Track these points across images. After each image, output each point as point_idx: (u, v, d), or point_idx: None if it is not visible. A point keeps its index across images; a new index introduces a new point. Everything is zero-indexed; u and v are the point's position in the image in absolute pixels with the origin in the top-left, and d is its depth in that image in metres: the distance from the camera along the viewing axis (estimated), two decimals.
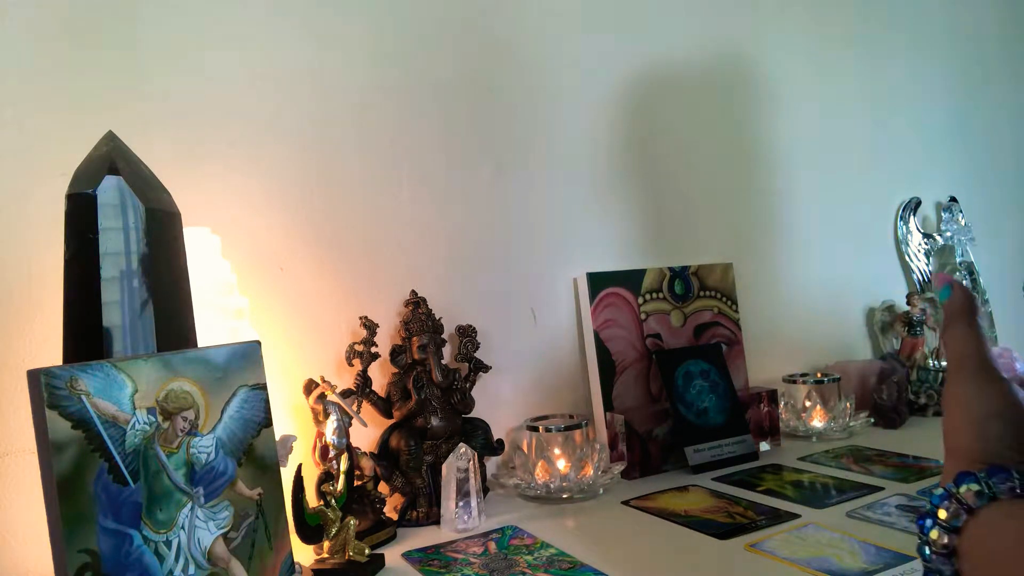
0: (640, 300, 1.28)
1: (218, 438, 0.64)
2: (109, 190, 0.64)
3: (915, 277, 1.72)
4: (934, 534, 0.40)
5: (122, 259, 0.64)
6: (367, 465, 0.93)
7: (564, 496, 1.03)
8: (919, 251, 1.74)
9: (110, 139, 0.69)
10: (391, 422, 1.05)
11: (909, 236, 1.74)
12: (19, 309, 0.85)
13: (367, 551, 0.83)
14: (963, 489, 0.40)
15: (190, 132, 0.97)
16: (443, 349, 1.08)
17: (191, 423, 0.62)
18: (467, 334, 1.11)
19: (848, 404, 1.31)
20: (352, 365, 1.02)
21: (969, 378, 0.46)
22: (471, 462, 0.96)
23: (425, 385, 1.04)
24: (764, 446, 1.24)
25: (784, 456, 1.20)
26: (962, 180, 1.87)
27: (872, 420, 1.35)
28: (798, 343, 1.52)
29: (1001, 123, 2.01)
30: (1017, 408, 0.43)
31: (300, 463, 0.84)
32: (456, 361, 1.11)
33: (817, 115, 1.61)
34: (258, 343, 0.69)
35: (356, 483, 0.92)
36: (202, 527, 0.61)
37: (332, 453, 0.87)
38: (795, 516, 0.90)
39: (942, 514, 0.40)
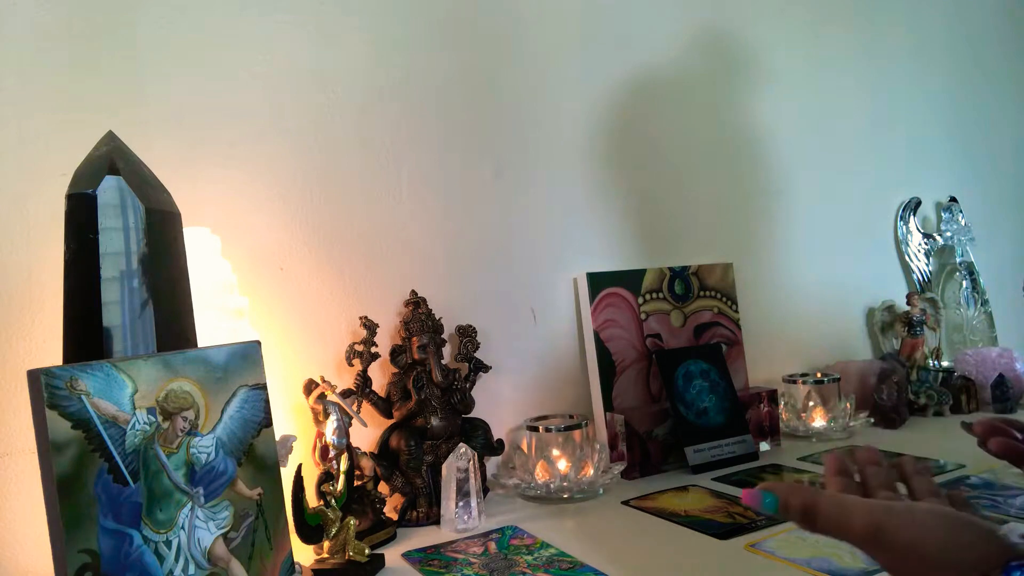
0: (640, 300, 1.28)
1: (218, 438, 0.64)
2: (109, 190, 0.64)
3: (915, 277, 1.72)
4: None
5: (122, 259, 0.64)
6: (367, 465, 0.93)
7: (564, 496, 1.03)
8: (919, 251, 1.74)
9: (110, 139, 0.69)
10: (391, 422, 1.05)
11: (909, 236, 1.73)
12: (19, 309, 0.85)
13: (367, 551, 0.83)
14: None
15: (190, 132, 0.97)
16: (443, 349, 1.08)
17: (191, 423, 0.62)
18: (467, 334, 1.11)
19: (848, 404, 1.31)
20: (352, 365, 1.02)
21: (893, 522, 0.42)
22: (471, 462, 0.96)
23: (425, 385, 1.04)
24: (764, 446, 1.24)
25: (784, 456, 1.20)
26: (962, 180, 1.87)
27: (872, 420, 1.35)
28: (798, 343, 1.52)
29: (1000, 123, 2.00)
30: (948, 511, 0.42)
31: (300, 463, 0.84)
32: (456, 361, 1.11)
33: (817, 115, 1.61)
34: (258, 343, 0.69)
35: (356, 483, 0.92)
36: (202, 527, 0.61)
37: (332, 453, 0.87)
38: None
39: None
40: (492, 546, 0.88)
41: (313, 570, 0.81)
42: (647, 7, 1.39)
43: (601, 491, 1.06)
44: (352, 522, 0.83)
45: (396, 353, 1.06)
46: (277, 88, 1.04)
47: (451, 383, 1.06)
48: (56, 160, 0.81)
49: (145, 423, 0.59)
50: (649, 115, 1.38)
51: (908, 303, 1.57)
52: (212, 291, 0.82)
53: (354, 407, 0.99)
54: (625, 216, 1.34)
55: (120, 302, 0.63)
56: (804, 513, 0.44)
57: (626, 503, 1.01)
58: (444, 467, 0.97)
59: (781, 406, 1.32)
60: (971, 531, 0.41)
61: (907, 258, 1.73)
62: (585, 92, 1.31)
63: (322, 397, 0.89)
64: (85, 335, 0.63)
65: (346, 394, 0.99)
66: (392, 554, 0.87)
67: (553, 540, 0.88)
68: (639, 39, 1.38)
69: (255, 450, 0.66)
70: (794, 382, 1.35)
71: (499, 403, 1.17)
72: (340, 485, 0.86)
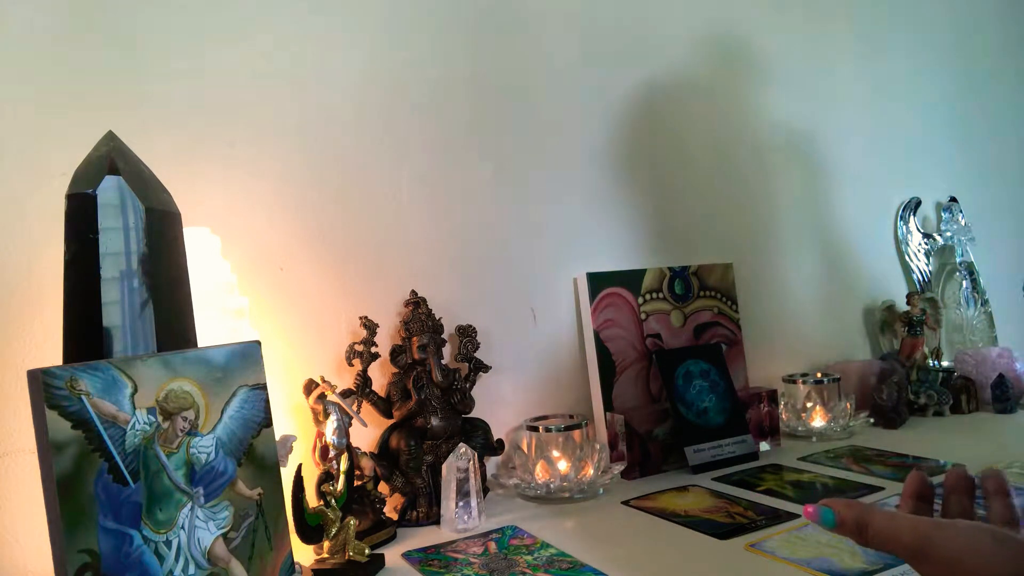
0: (640, 300, 1.28)
1: (218, 438, 0.64)
2: (109, 190, 0.64)
3: (915, 277, 1.72)
4: None
5: (122, 259, 0.64)
6: (367, 465, 0.93)
7: (564, 496, 1.03)
8: (919, 251, 1.74)
9: (110, 139, 0.69)
10: (391, 422, 1.05)
11: (909, 236, 1.73)
12: (19, 309, 0.85)
13: (367, 551, 0.83)
14: None
15: (190, 132, 0.97)
16: (443, 349, 1.08)
17: (191, 423, 0.62)
18: (467, 334, 1.11)
19: (848, 404, 1.31)
20: (352, 365, 1.02)
21: (939, 537, 0.43)
22: (471, 462, 0.96)
23: (425, 385, 1.04)
24: (764, 446, 1.24)
25: (784, 456, 1.20)
26: (962, 180, 1.87)
27: (872, 420, 1.35)
28: (798, 343, 1.52)
29: (1001, 123, 2.00)
30: (993, 528, 0.43)
31: (300, 463, 0.84)
32: (456, 361, 1.11)
33: (817, 115, 1.61)
34: (258, 343, 0.69)
35: (356, 483, 0.92)
36: (202, 527, 0.61)
37: (332, 453, 0.87)
38: (795, 516, 0.90)
39: None
40: (492, 546, 0.88)
41: (313, 570, 0.81)
42: (648, 9, 1.39)
43: (601, 491, 1.06)
44: (352, 522, 0.83)
45: (396, 353, 1.06)
46: (277, 88, 1.04)
47: (451, 383, 1.06)
48: (56, 160, 0.81)
49: (145, 423, 0.59)
50: (650, 115, 1.38)
51: (908, 303, 1.57)
52: (212, 291, 0.82)
53: (354, 407, 0.99)
54: (625, 216, 1.34)
55: (120, 302, 0.63)
56: (857, 527, 0.46)
57: (626, 503, 1.01)
58: (444, 467, 0.97)
59: (781, 406, 1.32)
60: (1014, 548, 0.42)
61: (907, 258, 1.73)
62: (586, 93, 1.31)
63: (322, 397, 0.89)
64: (85, 335, 0.63)
65: (346, 394, 0.99)
66: (392, 554, 0.87)
67: (553, 540, 0.88)
68: (641, 41, 1.38)
69: (255, 450, 0.67)
70: (794, 382, 1.35)
71: (499, 403, 1.17)
72: (340, 485, 0.86)
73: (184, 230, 0.72)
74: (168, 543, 0.59)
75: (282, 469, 0.71)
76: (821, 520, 0.48)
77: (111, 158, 0.66)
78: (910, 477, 0.52)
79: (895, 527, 0.45)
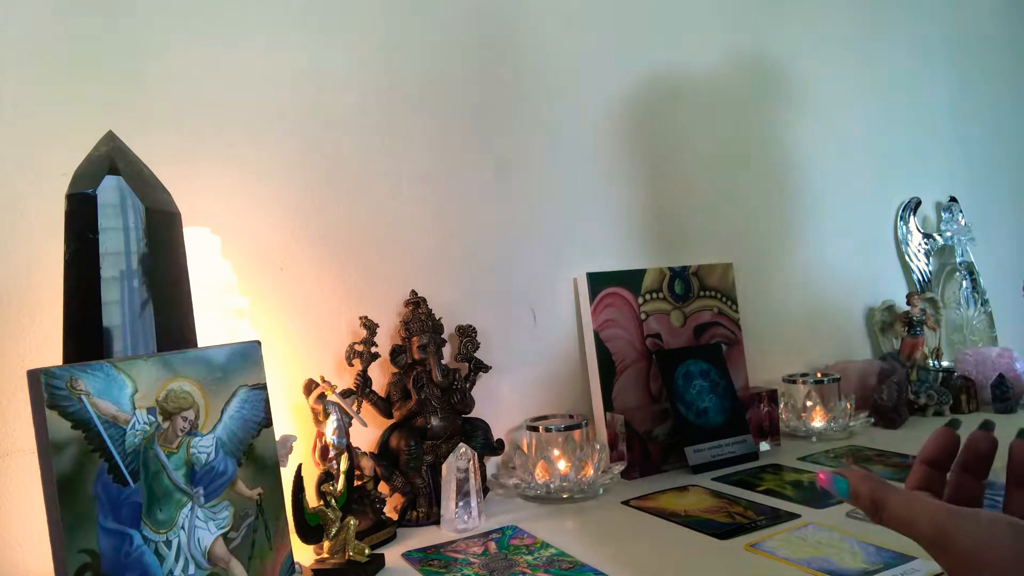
0: (640, 300, 1.28)
1: (218, 438, 0.64)
2: (109, 190, 0.64)
3: (915, 277, 1.72)
4: None
5: (122, 259, 0.64)
6: (367, 465, 0.93)
7: (564, 496, 1.03)
8: (919, 251, 1.74)
9: (110, 139, 0.69)
10: (391, 422, 1.05)
11: (909, 236, 1.73)
12: (19, 309, 0.85)
13: (367, 551, 0.83)
14: None
15: (190, 132, 0.97)
16: (443, 349, 1.08)
17: (191, 423, 0.62)
18: (467, 334, 1.11)
19: (848, 404, 1.31)
20: (352, 365, 1.02)
21: (957, 527, 0.41)
22: (471, 462, 0.96)
23: (425, 385, 1.04)
24: (764, 446, 1.24)
25: (784, 456, 1.20)
26: (962, 180, 1.87)
27: (872, 420, 1.35)
28: (798, 343, 1.52)
29: (1001, 123, 2.00)
30: (1014, 521, 0.41)
31: (300, 463, 0.84)
32: (456, 361, 1.11)
33: (817, 115, 1.61)
34: (258, 343, 0.69)
35: (356, 483, 0.92)
36: (202, 527, 0.61)
37: (332, 453, 0.87)
38: (795, 516, 0.90)
39: None
40: (492, 546, 0.88)
41: (313, 570, 0.81)
42: (648, 9, 1.39)
43: (601, 491, 1.06)
44: (352, 522, 0.83)
45: (396, 353, 1.06)
46: (277, 88, 1.04)
47: (451, 383, 1.06)
48: (56, 160, 0.81)
49: (145, 423, 0.59)
50: (650, 114, 1.38)
51: (908, 303, 1.57)
52: (212, 291, 0.82)
53: (354, 407, 0.99)
54: (625, 216, 1.34)
55: (120, 302, 0.63)
56: (872, 504, 0.45)
57: (626, 503, 1.01)
58: (444, 467, 0.97)
59: (781, 406, 1.32)
60: None
61: (907, 258, 1.73)
62: (586, 92, 1.31)
63: (322, 397, 0.89)
64: (85, 335, 0.63)
65: (346, 394, 0.99)
66: (392, 554, 0.87)
67: (553, 540, 0.88)
68: (640, 41, 1.38)
69: (255, 450, 0.66)
70: (794, 382, 1.35)
71: (499, 403, 1.17)
72: (340, 485, 0.86)
73: (184, 230, 0.72)
74: (168, 543, 0.59)
75: (282, 469, 0.71)
76: (835, 489, 0.46)
77: (111, 158, 0.66)
78: (935, 436, 0.48)
79: (912, 512, 0.43)
